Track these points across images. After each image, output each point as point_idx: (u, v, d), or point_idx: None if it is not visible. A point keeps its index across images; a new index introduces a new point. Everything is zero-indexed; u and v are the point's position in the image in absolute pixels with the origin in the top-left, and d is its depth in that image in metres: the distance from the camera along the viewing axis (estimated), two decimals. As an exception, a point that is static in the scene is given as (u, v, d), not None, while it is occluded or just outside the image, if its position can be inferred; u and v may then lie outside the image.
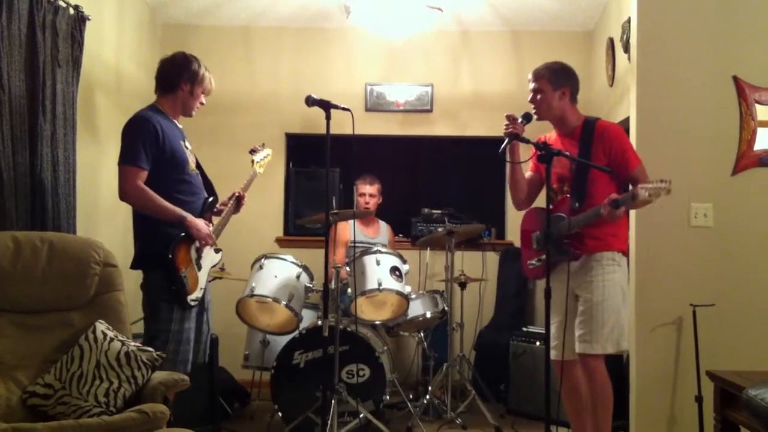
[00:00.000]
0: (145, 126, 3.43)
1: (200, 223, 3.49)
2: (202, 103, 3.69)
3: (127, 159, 3.40)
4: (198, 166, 3.71)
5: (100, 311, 3.28)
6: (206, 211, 3.62)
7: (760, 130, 4.01)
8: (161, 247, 3.38)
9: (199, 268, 3.54)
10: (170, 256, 3.36)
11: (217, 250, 3.74)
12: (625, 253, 3.58)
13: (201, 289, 3.54)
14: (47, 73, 3.68)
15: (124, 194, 3.41)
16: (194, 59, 3.64)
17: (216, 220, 3.74)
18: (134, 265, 3.50)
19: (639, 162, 3.51)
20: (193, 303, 3.46)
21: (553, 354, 3.51)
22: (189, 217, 3.44)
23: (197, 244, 3.52)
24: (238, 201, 3.84)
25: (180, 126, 3.68)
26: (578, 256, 3.47)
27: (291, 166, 6.04)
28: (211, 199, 3.68)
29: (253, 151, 4.00)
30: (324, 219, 3.61)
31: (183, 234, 3.44)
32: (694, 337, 3.89)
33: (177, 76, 3.59)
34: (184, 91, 3.59)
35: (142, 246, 3.50)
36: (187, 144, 3.64)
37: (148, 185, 3.40)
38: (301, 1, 5.54)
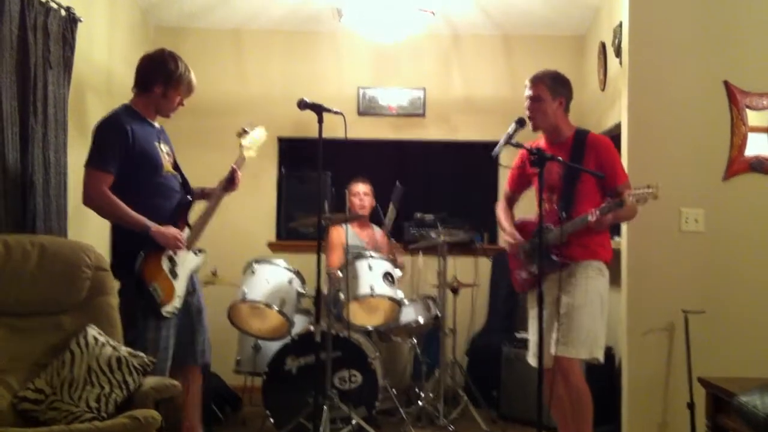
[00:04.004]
0: (113, 128, 3.37)
1: (166, 231, 3.37)
2: (181, 104, 3.57)
3: (92, 162, 3.34)
4: (176, 167, 3.62)
5: (92, 315, 3.26)
6: (181, 213, 3.54)
7: (751, 135, 4.03)
8: (130, 258, 3.31)
9: (175, 276, 3.43)
10: (137, 270, 3.29)
11: (197, 252, 3.62)
12: (609, 265, 3.59)
13: (179, 297, 3.44)
14: (38, 74, 3.66)
15: (88, 198, 3.34)
16: (172, 59, 3.50)
17: (202, 206, 3.65)
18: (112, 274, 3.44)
19: (626, 177, 3.55)
20: (167, 314, 3.37)
21: (536, 362, 3.48)
22: (153, 226, 3.33)
23: (169, 252, 3.42)
24: (231, 177, 3.68)
25: (157, 126, 3.59)
26: (566, 265, 3.47)
27: (283, 169, 6.02)
28: (184, 200, 3.58)
29: (240, 134, 3.77)
30: (316, 223, 3.59)
31: (150, 247, 3.35)
32: (686, 344, 3.89)
33: (150, 76, 3.49)
34: (156, 93, 3.48)
35: (114, 256, 3.46)
36: (162, 146, 3.53)
37: (119, 188, 3.33)
38: (293, 5, 5.53)
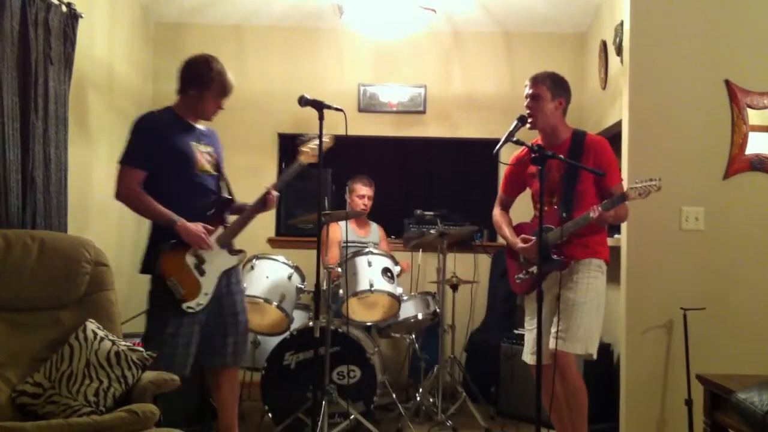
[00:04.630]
0: (144, 126, 3.49)
1: (192, 227, 3.41)
2: (219, 107, 3.63)
3: (123, 158, 3.46)
4: (218, 169, 3.65)
5: (91, 310, 3.28)
6: (215, 212, 3.57)
7: (751, 134, 4.02)
8: (155, 252, 3.40)
9: (202, 273, 3.46)
10: (156, 263, 3.36)
11: (233, 252, 3.64)
12: (608, 263, 3.61)
13: (206, 294, 3.46)
14: (39, 70, 3.66)
15: (117, 193, 3.45)
16: (206, 63, 3.57)
17: (231, 219, 3.68)
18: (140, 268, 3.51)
19: (620, 180, 3.59)
20: (188, 310, 3.39)
21: (533, 360, 3.49)
22: (179, 221, 3.38)
23: (197, 249, 3.47)
24: (265, 197, 3.67)
25: (200, 127, 3.65)
26: (567, 264, 3.48)
27: (283, 165, 6.02)
28: (220, 200, 3.61)
29: (303, 142, 3.75)
30: (316, 220, 3.59)
31: (173, 242, 3.40)
32: (685, 341, 3.90)
33: (186, 79, 3.59)
34: (190, 95, 3.57)
35: (146, 250, 3.50)
36: (202, 147, 3.58)
37: (153, 184, 3.43)
38: (294, 1, 5.54)
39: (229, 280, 3.64)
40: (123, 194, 3.43)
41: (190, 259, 3.44)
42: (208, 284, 3.49)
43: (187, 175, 3.50)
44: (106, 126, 4.92)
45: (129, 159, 3.44)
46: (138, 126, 3.50)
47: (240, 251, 3.68)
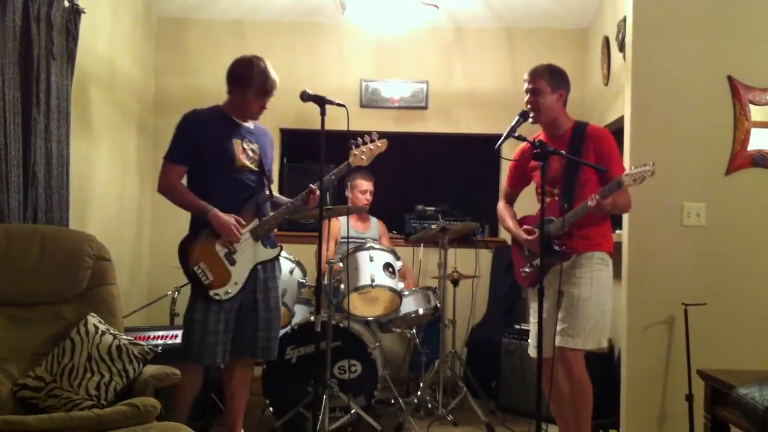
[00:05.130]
0: (185, 122, 3.60)
1: (223, 218, 3.48)
2: (264, 107, 3.71)
3: (166, 154, 3.59)
4: (260, 165, 3.70)
5: (92, 304, 3.29)
6: (250, 206, 3.62)
7: (754, 131, 4.02)
8: (186, 240, 3.54)
9: (232, 262, 3.53)
10: (186, 250, 3.49)
11: (270, 245, 3.70)
12: (612, 255, 3.61)
13: (236, 284, 3.52)
14: (41, 65, 3.66)
15: (159, 187, 3.59)
16: (248, 64, 3.64)
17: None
18: None
19: (623, 170, 3.54)
20: (216, 297, 3.47)
21: (537, 353, 3.49)
22: (212, 211, 3.47)
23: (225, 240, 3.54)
24: (307, 195, 3.70)
25: (247, 125, 3.72)
26: (569, 255, 3.48)
27: (285, 161, 6.03)
28: (256, 194, 3.66)
29: (356, 144, 3.78)
30: (317, 215, 3.60)
31: (204, 230, 3.50)
32: (686, 336, 3.90)
33: (231, 79, 3.67)
34: (235, 95, 3.65)
35: (181, 242, 3.57)
36: (245, 144, 3.64)
37: (193, 179, 3.61)
38: (296, -4, 5.55)
39: (266, 274, 3.71)
40: (163, 188, 3.57)
41: (220, 248, 3.53)
42: (239, 274, 3.55)
43: (225, 171, 3.58)
44: (108, 121, 4.92)
45: (170, 155, 3.58)
46: (181, 123, 3.61)
47: (277, 245, 3.75)
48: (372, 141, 3.82)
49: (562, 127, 3.61)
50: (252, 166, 3.66)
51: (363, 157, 3.77)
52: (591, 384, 3.50)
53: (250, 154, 3.66)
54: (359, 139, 3.78)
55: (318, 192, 3.65)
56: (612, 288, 3.57)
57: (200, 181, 3.59)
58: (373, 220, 5.55)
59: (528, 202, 3.92)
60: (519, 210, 3.91)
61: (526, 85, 3.61)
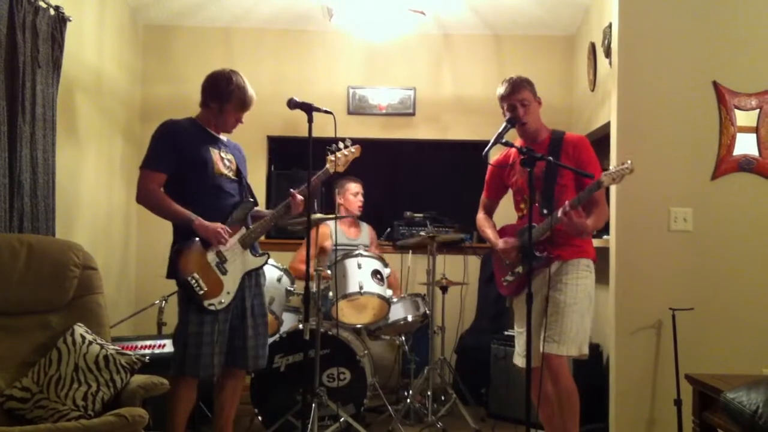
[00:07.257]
0: (163, 129, 3.56)
1: (209, 225, 3.46)
2: (239, 121, 3.73)
3: (143, 162, 3.53)
4: (238, 174, 3.70)
5: (79, 314, 3.27)
6: (238, 214, 3.61)
7: (739, 136, 4.05)
8: (175, 252, 3.48)
9: (224, 272, 3.51)
10: (177, 261, 3.42)
11: (257, 253, 3.71)
12: (596, 261, 3.62)
13: (228, 293, 3.50)
14: (27, 74, 3.65)
15: (138, 196, 3.52)
16: (225, 78, 3.63)
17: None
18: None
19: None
20: (211, 308, 3.44)
21: (523, 362, 3.47)
22: (197, 220, 3.44)
23: (219, 248, 3.51)
24: (288, 203, 3.72)
25: (222, 138, 3.73)
26: (552, 260, 3.48)
27: (273, 168, 6.02)
28: (241, 202, 3.65)
29: (331, 151, 3.87)
30: (305, 221, 3.60)
31: (193, 240, 3.46)
32: (674, 341, 3.91)
33: (207, 93, 3.66)
34: (211, 108, 3.64)
35: (170, 255, 3.53)
36: (222, 153, 3.64)
37: (174, 187, 3.51)
38: (283, 3, 5.53)
39: (254, 282, 3.70)
40: (142, 197, 3.50)
41: (211, 258, 3.49)
42: (231, 283, 3.53)
43: (206, 179, 3.55)
44: (95, 129, 4.90)
45: (147, 163, 3.52)
46: (158, 131, 3.57)
47: (264, 253, 3.75)
48: (346, 147, 3.89)
49: (541, 135, 3.65)
50: (230, 175, 3.65)
51: (339, 163, 3.81)
52: (577, 390, 3.50)
53: (227, 163, 3.66)
54: (334, 145, 3.83)
55: (299, 197, 3.68)
56: (593, 296, 3.58)
57: (181, 190, 3.52)
58: (365, 226, 5.54)
59: (508, 210, 3.92)
60: (498, 220, 3.91)
61: (511, 100, 3.58)
